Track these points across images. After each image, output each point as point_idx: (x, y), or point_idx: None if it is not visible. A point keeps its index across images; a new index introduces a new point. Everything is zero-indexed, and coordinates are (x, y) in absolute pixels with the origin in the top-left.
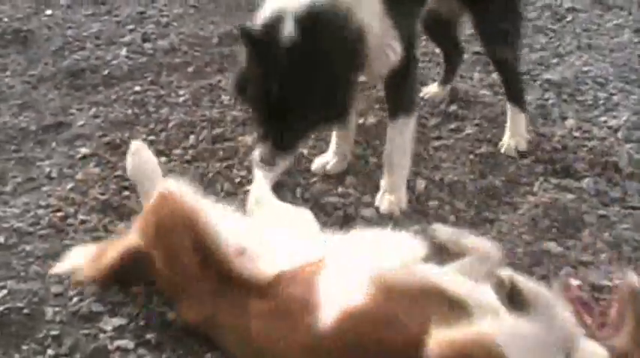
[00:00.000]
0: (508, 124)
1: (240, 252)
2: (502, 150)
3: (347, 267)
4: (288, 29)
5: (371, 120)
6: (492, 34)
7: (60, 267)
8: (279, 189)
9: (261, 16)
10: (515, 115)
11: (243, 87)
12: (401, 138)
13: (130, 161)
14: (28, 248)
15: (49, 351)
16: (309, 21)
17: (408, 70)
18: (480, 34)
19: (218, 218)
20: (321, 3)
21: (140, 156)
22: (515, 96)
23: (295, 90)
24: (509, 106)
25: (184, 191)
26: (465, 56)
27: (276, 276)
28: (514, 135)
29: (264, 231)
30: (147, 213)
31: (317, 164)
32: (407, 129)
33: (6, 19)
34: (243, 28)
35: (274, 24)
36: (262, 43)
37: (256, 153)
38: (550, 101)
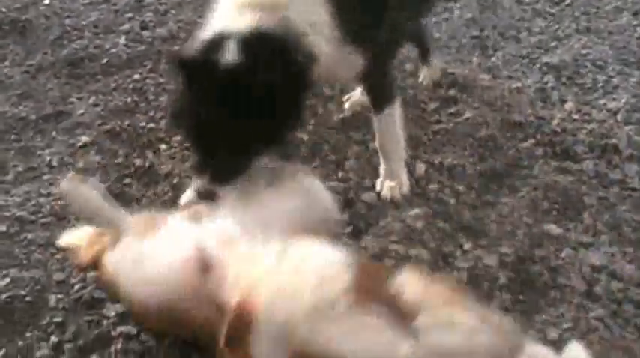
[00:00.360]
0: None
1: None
2: (346, 106)
3: None
4: (231, 52)
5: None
6: None
7: (63, 241)
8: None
9: (202, 38)
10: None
11: (179, 116)
12: (389, 127)
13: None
14: (30, 236)
15: (53, 338)
16: (254, 44)
17: (383, 67)
18: None
19: None
20: (268, 26)
21: (76, 192)
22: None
23: (236, 117)
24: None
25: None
26: (464, 40)
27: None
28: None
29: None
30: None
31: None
32: (393, 118)
33: (4, 9)
34: (174, 55)
35: (215, 47)
36: (198, 67)
37: (195, 186)
38: (549, 84)
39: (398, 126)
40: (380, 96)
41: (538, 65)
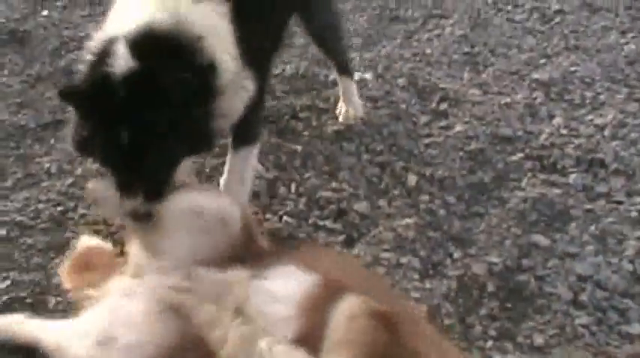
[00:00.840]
0: (341, 95)
1: None
2: (340, 119)
3: None
4: (123, 59)
5: (361, 116)
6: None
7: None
8: (274, 184)
9: (90, 51)
10: (346, 84)
11: (84, 143)
12: (241, 167)
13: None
14: (29, 241)
15: None
16: (147, 46)
17: (258, 104)
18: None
19: None
20: (160, 24)
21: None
22: (344, 67)
23: (147, 128)
24: (339, 79)
25: None
26: (455, 56)
27: None
28: (350, 103)
29: None
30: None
31: None
32: (248, 160)
33: (3, 20)
34: (60, 91)
35: (105, 57)
36: (92, 89)
37: (126, 212)
38: (538, 100)
39: (250, 170)
40: (245, 134)
41: (527, 81)
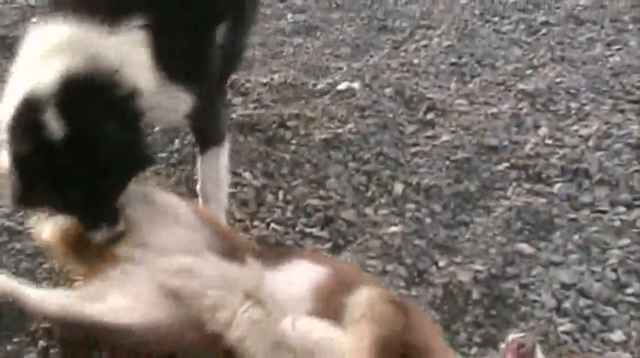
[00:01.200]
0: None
1: None
2: None
3: None
4: (55, 125)
5: (350, 126)
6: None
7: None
8: (262, 191)
9: (11, 112)
10: None
11: (28, 199)
12: (213, 169)
13: None
14: (18, 246)
15: (41, 343)
16: (72, 101)
17: (213, 109)
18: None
19: None
20: (78, 72)
21: None
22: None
23: (93, 180)
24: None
25: None
26: (442, 67)
27: None
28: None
29: None
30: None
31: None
32: (219, 160)
33: None
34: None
35: (32, 120)
36: (32, 157)
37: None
38: (524, 110)
39: (222, 170)
40: (207, 136)
41: (514, 92)
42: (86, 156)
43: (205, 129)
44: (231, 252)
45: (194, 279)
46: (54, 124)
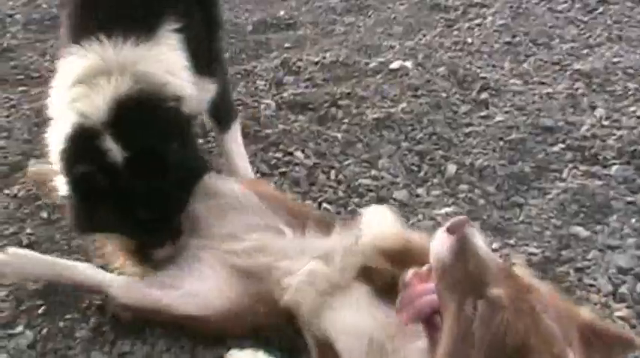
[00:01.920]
0: None
1: None
2: None
3: None
4: (114, 151)
5: (402, 105)
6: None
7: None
8: (314, 171)
9: (61, 142)
10: None
11: (90, 223)
12: (236, 143)
13: None
14: None
15: (92, 320)
16: (127, 125)
17: (224, 91)
18: None
19: None
20: (129, 93)
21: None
22: None
23: (159, 197)
24: None
25: None
26: (496, 46)
27: None
28: None
29: None
30: None
31: None
32: (237, 136)
33: None
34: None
35: (88, 149)
36: (94, 181)
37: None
38: (580, 91)
39: (241, 144)
40: (226, 114)
41: (569, 72)
42: (150, 174)
43: (224, 109)
44: (294, 220)
45: (263, 255)
46: (113, 147)
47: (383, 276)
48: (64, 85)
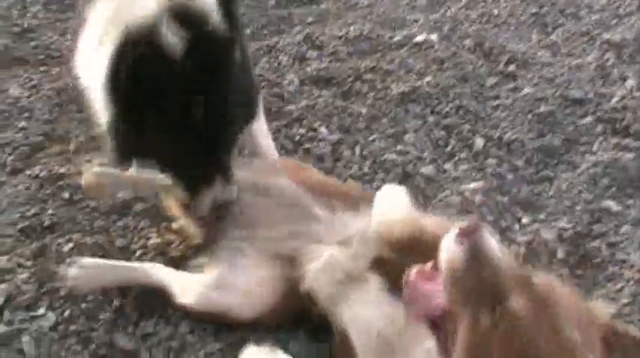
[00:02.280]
0: None
1: None
2: None
3: None
4: (174, 32)
5: (428, 79)
6: None
7: None
8: (339, 146)
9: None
10: None
11: (136, 148)
12: (260, 121)
13: None
14: (92, 204)
15: (115, 302)
16: (186, 18)
17: (245, 65)
18: None
19: None
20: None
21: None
22: None
23: (216, 96)
24: None
25: None
26: (523, 17)
27: None
28: None
29: None
30: None
31: None
32: (261, 111)
33: None
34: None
35: (146, 40)
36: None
37: (206, 204)
38: (610, 62)
39: (264, 121)
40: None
41: (598, 42)
42: (211, 72)
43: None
44: (337, 203)
45: (305, 240)
46: (177, 39)
47: (394, 267)
48: (101, 16)
